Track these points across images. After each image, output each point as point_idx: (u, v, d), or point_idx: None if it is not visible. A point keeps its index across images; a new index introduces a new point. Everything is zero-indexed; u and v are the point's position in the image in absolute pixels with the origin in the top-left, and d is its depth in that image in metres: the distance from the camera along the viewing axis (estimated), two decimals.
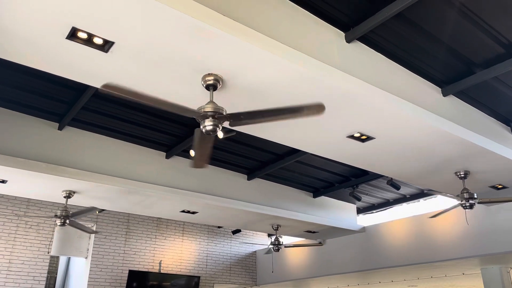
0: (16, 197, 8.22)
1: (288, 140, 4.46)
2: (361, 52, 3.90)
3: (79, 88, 4.78)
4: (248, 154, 6.50)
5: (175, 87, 3.39)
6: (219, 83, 3.27)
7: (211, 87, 3.26)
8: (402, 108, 3.80)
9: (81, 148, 5.61)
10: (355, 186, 7.38)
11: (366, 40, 3.92)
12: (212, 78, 3.23)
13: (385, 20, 3.60)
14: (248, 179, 7.16)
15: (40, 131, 5.39)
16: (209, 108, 3.06)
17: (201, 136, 3.30)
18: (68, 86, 4.73)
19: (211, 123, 3.05)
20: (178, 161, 6.43)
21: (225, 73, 3.23)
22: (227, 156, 6.57)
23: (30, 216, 7.26)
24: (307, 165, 6.88)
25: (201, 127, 3.10)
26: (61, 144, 5.49)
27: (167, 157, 6.31)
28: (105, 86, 2.59)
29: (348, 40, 3.81)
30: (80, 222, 6.48)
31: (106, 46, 2.91)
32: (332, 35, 3.74)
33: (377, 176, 6.96)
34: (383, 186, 7.61)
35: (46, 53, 2.96)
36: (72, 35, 2.80)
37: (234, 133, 5.14)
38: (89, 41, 2.87)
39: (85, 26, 2.73)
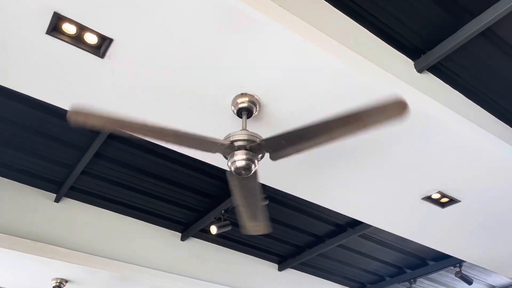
0: None
1: (340, 205, 3.39)
2: (437, 85, 3.01)
3: (81, 147, 3.97)
4: (280, 235, 5.34)
5: (195, 113, 2.49)
6: (256, 107, 2.36)
7: (245, 113, 2.34)
8: (503, 152, 2.76)
9: (79, 224, 4.66)
10: (412, 280, 5.98)
11: (441, 72, 3.03)
12: (247, 99, 2.33)
13: (468, 40, 2.75)
14: (280, 269, 5.91)
15: (33, 204, 4.52)
16: (240, 136, 2.12)
17: (241, 183, 2.29)
18: (68, 144, 3.94)
19: (244, 157, 2.08)
20: (195, 244, 5.34)
21: (266, 93, 2.33)
22: (254, 239, 5.42)
23: None
24: (352, 251, 5.64)
25: (229, 164, 2.13)
26: (55, 219, 4.58)
27: (183, 238, 5.23)
28: (73, 112, 1.83)
29: (419, 69, 2.94)
30: None
31: (102, 46, 2.09)
32: (398, 62, 2.89)
33: (441, 267, 5.61)
34: (449, 281, 6.18)
35: (18, 60, 2.15)
36: (55, 28, 2.01)
37: (267, 202, 4.11)
38: (78, 39, 2.06)
39: (73, 12, 1.94)
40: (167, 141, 2.07)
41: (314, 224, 5.04)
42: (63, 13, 1.94)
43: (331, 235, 5.24)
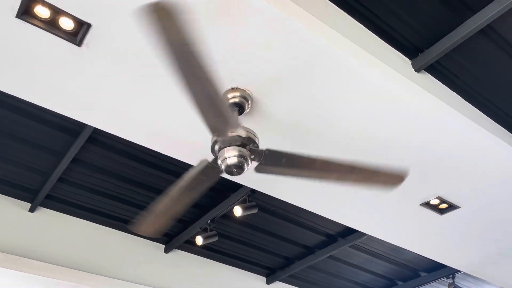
0: None
1: (333, 212, 3.22)
2: (435, 85, 2.88)
3: (57, 152, 3.73)
4: (268, 246, 5.14)
5: (179, 107, 2.29)
6: (248, 103, 2.19)
7: (236, 109, 2.16)
8: (507, 156, 2.64)
9: (55, 235, 4.40)
10: None
11: (439, 72, 2.90)
12: (238, 94, 2.16)
13: (468, 37, 2.62)
14: (268, 282, 5.69)
15: (5, 214, 4.26)
16: (246, 134, 1.97)
17: (199, 176, 2.06)
18: (44, 148, 3.70)
19: (243, 155, 1.90)
20: (179, 256, 5.09)
21: (259, 87, 2.16)
22: (241, 250, 5.19)
23: None
24: (343, 262, 5.46)
25: (219, 161, 1.94)
26: (30, 230, 4.31)
27: (166, 250, 4.98)
28: (161, 7, 1.30)
29: (417, 68, 2.80)
30: None
31: (79, 33, 1.89)
32: (396, 61, 2.75)
33: (433, 278, 5.47)
34: None
35: None
36: (26, 11, 1.81)
37: (256, 210, 3.92)
38: (52, 24, 1.86)
39: None
40: (190, 87, 1.71)
41: (304, 235, 4.86)
42: None
43: (322, 246, 5.06)
